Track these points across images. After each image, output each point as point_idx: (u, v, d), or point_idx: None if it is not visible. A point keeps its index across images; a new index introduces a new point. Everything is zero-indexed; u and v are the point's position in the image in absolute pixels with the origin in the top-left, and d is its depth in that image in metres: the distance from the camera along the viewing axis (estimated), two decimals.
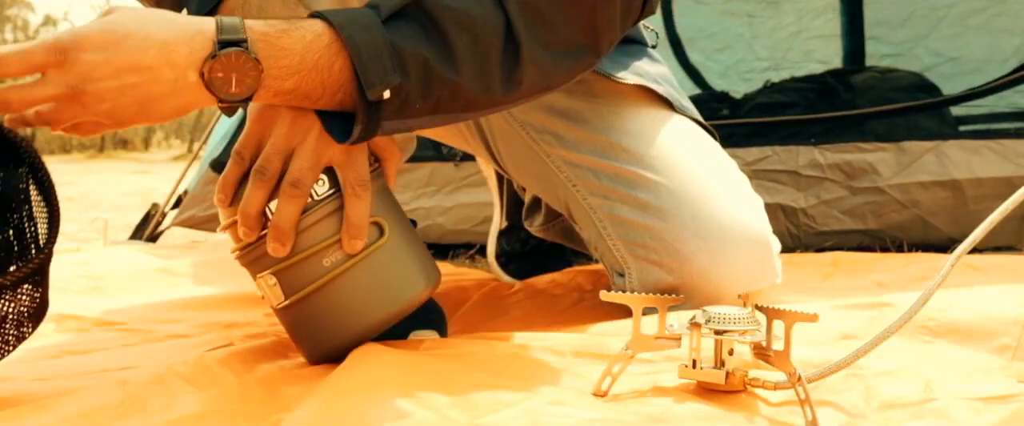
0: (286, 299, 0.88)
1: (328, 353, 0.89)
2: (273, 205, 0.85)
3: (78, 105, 0.77)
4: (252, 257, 0.89)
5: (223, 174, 0.88)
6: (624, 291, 1.12)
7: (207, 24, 0.79)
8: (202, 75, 0.78)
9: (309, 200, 0.86)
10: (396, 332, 1.06)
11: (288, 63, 0.80)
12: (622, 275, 1.13)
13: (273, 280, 0.88)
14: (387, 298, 0.90)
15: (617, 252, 1.12)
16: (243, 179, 0.87)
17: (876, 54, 2.33)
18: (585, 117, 1.10)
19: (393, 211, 0.93)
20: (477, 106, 0.89)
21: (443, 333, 1.09)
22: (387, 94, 0.81)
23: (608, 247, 1.13)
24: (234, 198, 0.88)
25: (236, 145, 0.87)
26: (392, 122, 0.84)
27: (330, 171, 0.87)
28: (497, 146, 1.24)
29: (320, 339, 0.89)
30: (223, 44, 0.78)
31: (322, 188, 0.86)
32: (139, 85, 0.77)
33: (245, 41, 0.78)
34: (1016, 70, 1.99)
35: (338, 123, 0.85)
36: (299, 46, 0.80)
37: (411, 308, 0.92)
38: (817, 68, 2.32)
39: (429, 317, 1.09)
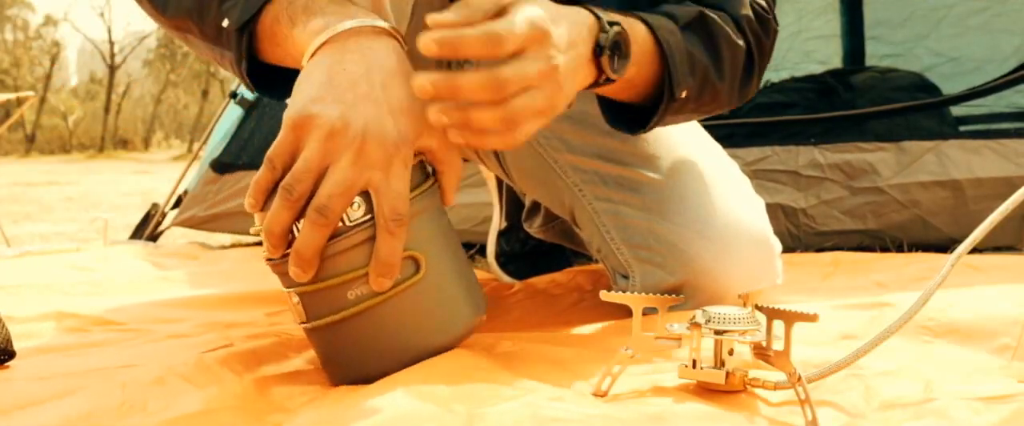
0: (308, 321, 0.83)
1: (350, 380, 0.84)
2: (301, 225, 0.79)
3: (554, 83, 0.77)
4: (279, 270, 0.83)
5: (255, 178, 0.82)
6: (627, 289, 1.13)
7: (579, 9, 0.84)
8: (596, 52, 0.83)
9: (340, 224, 0.78)
10: None
11: (637, 50, 0.89)
12: (626, 277, 1.13)
13: (297, 299, 0.83)
14: (414, 340, 0.83)
15: (621, 255, 1.13)
16: (275, 186, 0.80)
17: (876, 54, 2.33)
18: (591, 120, 1.11)
19: (438, 240, 0.84)
20: (719, 109, 1.03)
21: None
22: (684, 93, 0.93)
23: (612, 250, 1.14)
24: (265, 204, 0.81)
25: (269, 151, 0.81)
26: (671, 117, 0.96)
27: (367, 194, 0.78)
28: (504, 153, 1.25)
29: (341, 366, 0.84)
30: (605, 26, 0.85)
31: (356, 212, 0.78)
32: (574, 60, 0.81)
33: (619, 24, 0.85)
34: (1016, 70, 1.99)
35: (623, 118, 0.96)
36: (640, 38, 0.89)
37: (442, 351, 0.85)
38: (817, 68, 2.32)
39: None
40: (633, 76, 0.89)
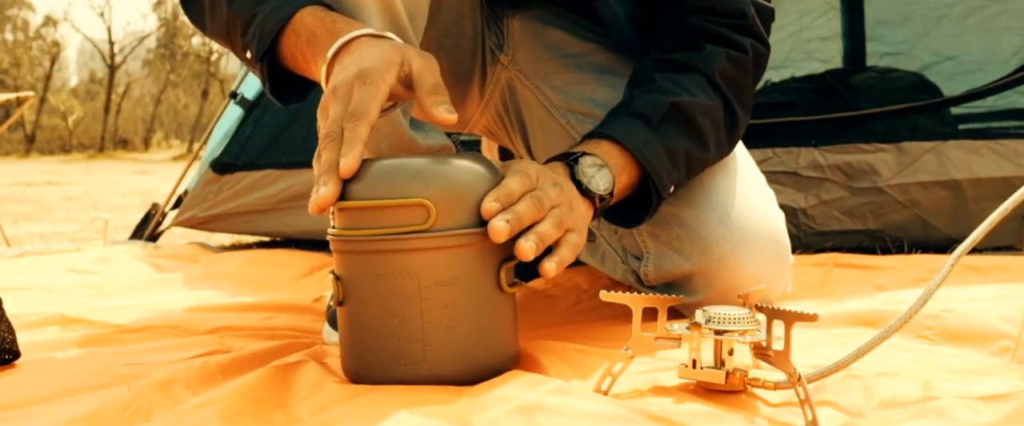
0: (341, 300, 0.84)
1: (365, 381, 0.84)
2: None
3: (565, 205, 0.88)
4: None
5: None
6: (637, 274, 1.14)
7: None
8: (579, 188, 0.94)
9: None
10: None
11: (613, 164, 0.97)
12: (639, 258, 1.15)
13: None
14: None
15: (638, 235, 1.15)
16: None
17: (876, 54, 2.33)
18: None
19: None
20: (711, 164, 1.10)
21: None
22: (672, 188, 1.03)
23: (629, 230, 1.15)
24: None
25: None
26: (666, 202, 1.05)
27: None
28: (535, 136, 1.26)
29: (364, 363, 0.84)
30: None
31: None
32: (567, 197, 0.90)
33: (583, 152, 0.96)
34: (1016, 70, 1.99)
35: (621, 215, 1.03)
36: (613, 155, 0.97)
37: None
38: (817, 68, 2.32)
39: None
40: (622, 185, 0.98)
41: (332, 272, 0.85)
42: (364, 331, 0.82)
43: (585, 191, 0.93)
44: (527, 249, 0.81)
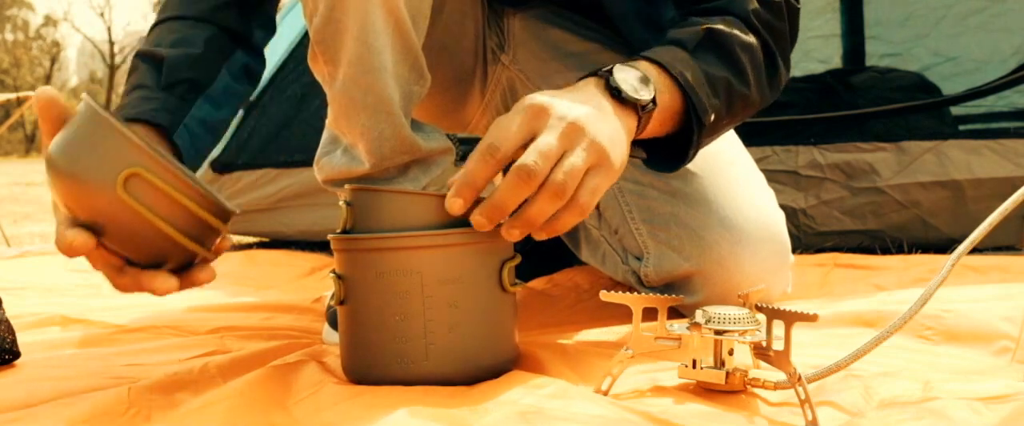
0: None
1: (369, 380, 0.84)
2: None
3: (603, 158, 0.79)
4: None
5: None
6: (637, 275, 1.14)
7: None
8: (614, 95, 0.84)
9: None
10: None
11: (654, 84, 0.88)
12: (639, 259, 1.15)
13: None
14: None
15: (639, 236, 1.14)
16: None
17: (876, 54, 2.33)
18: None
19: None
20: (755, 110, 1.02)
21: None
22: (713, 117, 0.93)
23: (630, 230, 1.15)
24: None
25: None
26: (708, 138, 0.96)
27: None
28: None
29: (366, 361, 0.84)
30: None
31: None
32: (606, 122, 0.81)
33: (618, 64, 0.87)
34: (1016, 70, 1.99)
35: (662, 157, 0.96)
36: (653, 74, 0.88)
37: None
38: (818, 67, 2.32)
39: None
40: (663, 106, 0.89)
41: (333, 271, 0.85)
42: (366, 330, 0.82)
43: (624, 99, 0.84)
44: (510, 236, 0.78)
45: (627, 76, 0.85)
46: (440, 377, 0.81)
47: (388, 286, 0.81)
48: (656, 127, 0.90)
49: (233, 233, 2.46)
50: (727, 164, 1.15)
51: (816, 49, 2.37)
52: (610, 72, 0.85)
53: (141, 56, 0.98)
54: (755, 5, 1.01)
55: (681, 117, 0.92)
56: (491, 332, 0.83)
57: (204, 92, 0.99)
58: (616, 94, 0.84)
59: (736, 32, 0.97)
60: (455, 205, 0.77)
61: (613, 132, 0.80)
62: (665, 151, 0.96)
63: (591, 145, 0.77)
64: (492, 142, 0.76)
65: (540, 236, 0.79)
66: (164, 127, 0.94)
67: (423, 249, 0.80)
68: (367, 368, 0.83)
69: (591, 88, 0.84)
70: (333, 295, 0.86)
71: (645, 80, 0.87)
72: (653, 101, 0.86)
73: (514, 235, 0.78)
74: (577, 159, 0.76)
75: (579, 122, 0.77)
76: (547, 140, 0.76)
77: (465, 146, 1.95)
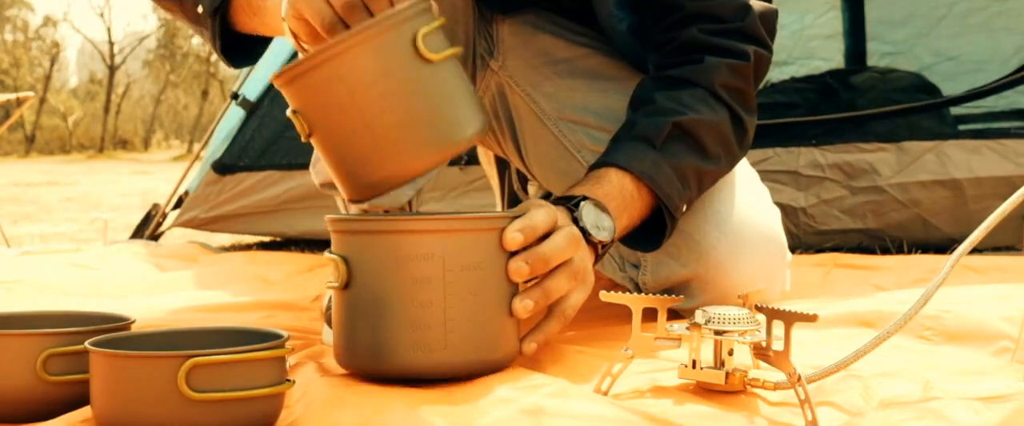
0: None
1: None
2: None
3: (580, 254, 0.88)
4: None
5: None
6: (635, 282, 1.14)
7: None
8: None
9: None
10: None
11: (618, 204, 0.96)
12: (636, 266, 1.14)
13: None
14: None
15: None
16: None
17: (876, 53, 2.33)
18: (619, 115, 1.11)
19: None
20: (725, 174, 1.09)
21: None
22: (685, 207, 1.02)
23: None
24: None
25: None
26: (682, 217, 1.04)
27: None
28: (526, 144, 1.25)
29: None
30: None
31: None
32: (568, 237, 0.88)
33: (584, 197, 0.94)
34: (1017, 71, 1.99)
35: (641, 240, 1.03)
36: (615, 187, 0.96)
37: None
38: (821, 64, 2.32)
39: None
40: (629, 219, 0.97)
41: (331, 252, 0.82)
42: (376, 317, 0.79)
43: (588, 240, 0.92)
44: (521, 309, 0.82)
45: (591, 216, 0.92)
46: (456, 367, 0.80)
47: (407, 271, 0.78)
48: (629, 224, 0.98)
49: (235, 233, 2.46)
50: None
51: (818, 48, 2.38)
52: (577, 208, 0.92)
53: None
54: (724, 76, 1.06)
55: (652, 210, 1.00)
56: (505, 323, 0.83)
57: None
58: (584, 233, 0.91)
59: (704, 114, 1.03)
60: (515, 241, 0.81)
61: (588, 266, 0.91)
62: (639, 234, 1.02)
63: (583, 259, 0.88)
64: (537, 224, 0.84)
65: (528, 346, 0.86)
66: None
67: (447, 233, 0.79)
68: (374, 357, 0.80)
69: (563, 216, 0.90)
70: (333, 277, 0.82)
71: (605, 218, 0.94)
72: (612, 240, 0.94)
73: (523, 308, 0.83)
74: (578, 264, 0.87)
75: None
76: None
77: None
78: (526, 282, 0.85)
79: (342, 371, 0.86)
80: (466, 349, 0.80)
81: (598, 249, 0.93)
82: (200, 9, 0.93)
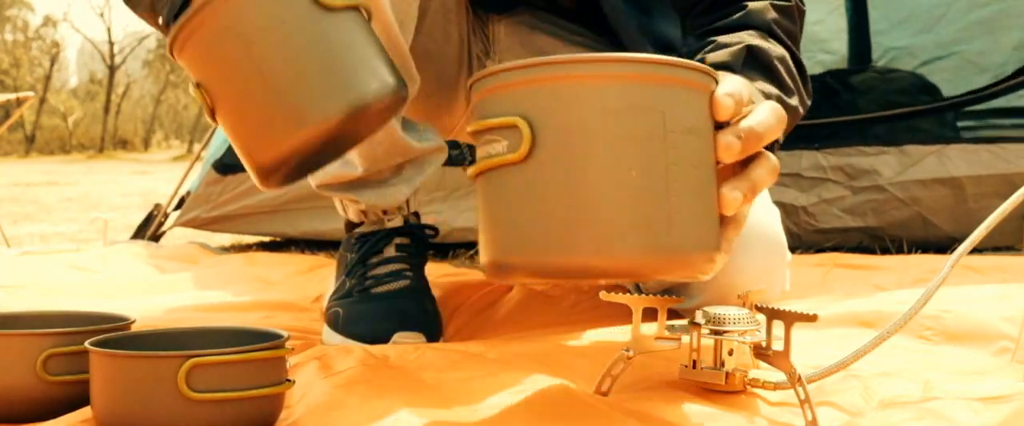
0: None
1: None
2: None
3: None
4: None
5: None
6: (627, 290, 1.13)
7: None
8: None
9: None
10: (379, 335, 1.06)
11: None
12: None
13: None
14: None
15: None
16: None
17: (876, 52, 2.33)
18: None
19: None
20: (798, 121, 1.00)
21: (432, 337, 1.09)
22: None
23: None
24: None
25: None
26: None
27: None
28: None
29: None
30: None
31: None
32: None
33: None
34: (1017, 73, 1.99)
35: None
36: None
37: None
38: (826, 59, 2.32)
39: (417, 319, 1.09)
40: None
41: (497, 114, 0.63)
42: (574, 193, 0.60)
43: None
44: (731, 200, 0.65)
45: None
46: (677, 263, 0.63)
47: (621, 127, 0.60)
48: None
49: (236, 233, 2.46)
50: None
51: (821, 48, 2.37)
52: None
53: None
54: (773, 14, 0.99)
55: None
56: (715, 213, 0.66)
57: None
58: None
59: (769, 46, 0.95)
60: (727, 109, 0.65)
61: None
62: None
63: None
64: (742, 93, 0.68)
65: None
66: None
67: (667, 83, 0.62)
68: (569, 248, 0.61)
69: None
70: (507, 147, 0.62)
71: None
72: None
73: (735, 200, 0.66)
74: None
75: None
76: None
77: (453, 149, 1.95)
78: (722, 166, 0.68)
79: (343, 371, 0.86)
80: (692, 239, 0.62)
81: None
82: (160, 20, 0.90)
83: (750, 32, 0.97)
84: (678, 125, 0.62)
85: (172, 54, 0.75)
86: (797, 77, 0.98)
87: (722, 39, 0.96)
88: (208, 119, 0.75)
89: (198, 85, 0.73)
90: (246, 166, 0.74)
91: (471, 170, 0.66)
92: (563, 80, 0.62)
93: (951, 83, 2.10)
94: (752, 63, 0.92)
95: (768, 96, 0.90)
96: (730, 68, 0.89)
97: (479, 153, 0.65)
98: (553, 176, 0.61)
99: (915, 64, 2.19)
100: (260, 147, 0.71)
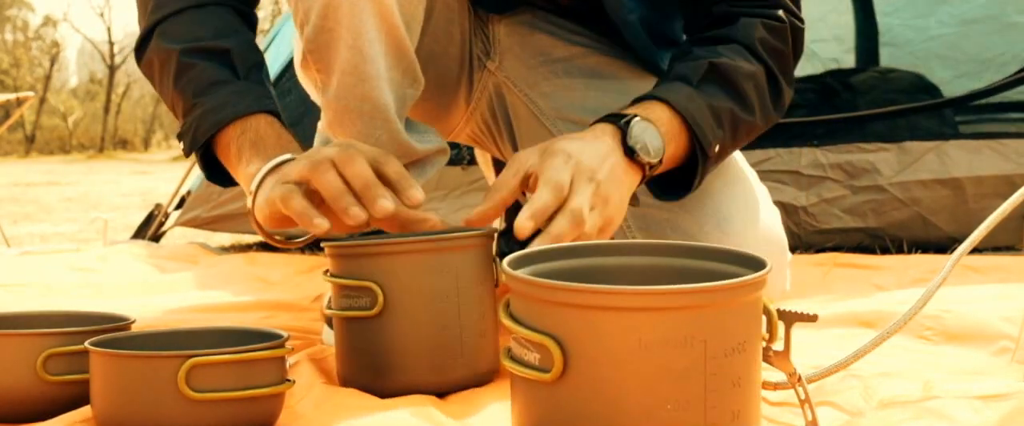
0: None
1: None
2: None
3: (604, 205, 0.87)
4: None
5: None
6: None
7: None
8: (628, 154, 0.91)
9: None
10: None
11: (663, 130, 0.94)
12: None
13: None
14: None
15: None
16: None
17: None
18: None
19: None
20: (760, 132, 1.07)
21: None
22: (718, 147, 0.98)
23: (626, 238, 1.14)
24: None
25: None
26: (714, 166, 1.02)
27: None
28: (524, 145, 1.25)
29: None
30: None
31: None
32: (610, 172, 0.89)
33: (634, 114, 0.93)
34: (1017, 73, 1.99)
35: (668, 186, 1.01)
36: (663, 117, 0.94)
37: None
38: (833, 52, 2.31)
39: None
40: (671, 153, 0.95)
41: (528, 328, 0.61)
42: (605, 420, 0.59)
43: (637, 160, 0.91)
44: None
45: (642, 135, 0.91)
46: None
47: (658, 360, 0.58)
48: (672, 155, 0.96)
49: (237, 233, 2.46)
50: (722, 166, 1.15)
51: (823, 48, 2.37)
52: (627, 126, 0.90)
53: (196, 53, 0.96)
54: (761, 33, 1.04)
55: (687, 151, 0.98)
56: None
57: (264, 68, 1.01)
58: (630, 153, 0.90)
59: (740, 63, 1.01)
60: (528, 229, 0.80)
61: (620, 200, 0.89)
62: (671, 179, 1.00)
63: (603, 211, 0.86)
64: (561, 182, 0.83)
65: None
66: (277, 113, 0.95)
67: (707, 308, 0.59)
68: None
69: (608, 141, 0.89)
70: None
71: (656, 136, 0.92)
72: (660, 162, 0.92)
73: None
74: (594, 218, 0.85)
75: (601, 191, 0.86)
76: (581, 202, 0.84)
77: (452, 149, 1.95)
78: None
79: (331, 377, 0.86)
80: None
81: (645, 171, 0.93)
82: (181, 146, 0.95)
83: (730, 46, 1.03)
84: (720, 350, 0.59)
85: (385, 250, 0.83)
86: (766, 92, 1.05)
87: (697, 51, 1.02)
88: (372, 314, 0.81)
89: (379, 285, 0.81)
90: (396, 369, 0.81)
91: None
92: (594, 309, 0.59)
93: (951, 85, 2.10)
94: (711, 78, 0.99)
95: (720, 110, 0.98)
96: (688, 81, 0.98)
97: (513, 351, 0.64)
98: (579, 400, 0.59)
99: (914, 66, 2.19)
100: (420, 374, 0.81)
